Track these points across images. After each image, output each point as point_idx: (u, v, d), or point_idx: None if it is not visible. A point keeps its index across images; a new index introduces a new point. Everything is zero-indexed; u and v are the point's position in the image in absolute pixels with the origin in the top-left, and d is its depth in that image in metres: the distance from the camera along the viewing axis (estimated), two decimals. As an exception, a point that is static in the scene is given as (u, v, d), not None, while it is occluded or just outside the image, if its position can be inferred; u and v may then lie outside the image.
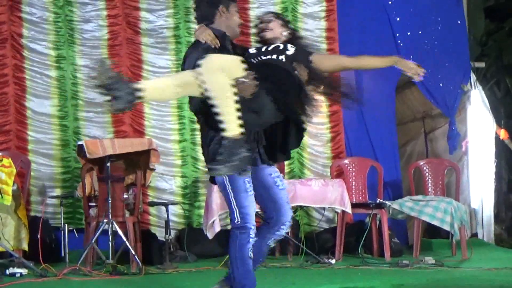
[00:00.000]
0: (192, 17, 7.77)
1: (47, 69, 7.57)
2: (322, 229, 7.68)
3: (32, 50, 7.54)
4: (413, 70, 4.17)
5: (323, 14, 8.07)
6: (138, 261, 6.12)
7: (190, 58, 4.01)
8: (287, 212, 4.12)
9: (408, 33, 8.12)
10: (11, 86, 7.47)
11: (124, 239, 6.14)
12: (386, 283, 5.50)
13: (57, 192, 7.32)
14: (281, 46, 4.11)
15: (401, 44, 8.11)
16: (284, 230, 4.12)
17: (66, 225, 6.66)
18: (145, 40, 7.77)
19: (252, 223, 3.91)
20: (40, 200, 7.31)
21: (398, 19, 8.11)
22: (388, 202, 7.07)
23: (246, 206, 3.92)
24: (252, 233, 3.91)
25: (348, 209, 6.75)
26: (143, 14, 7.78)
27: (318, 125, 8.00)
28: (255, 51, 4.14)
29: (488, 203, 8.16)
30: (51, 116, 7.54)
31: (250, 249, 3.89)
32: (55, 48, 7.59)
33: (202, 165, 7.76)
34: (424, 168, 7.72)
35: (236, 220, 3.92)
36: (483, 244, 7.83)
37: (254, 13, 7.92)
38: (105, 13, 7.69)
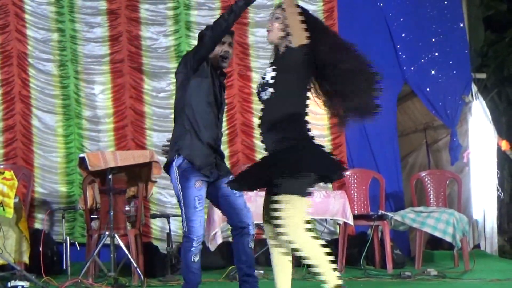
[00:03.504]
0: (193, 34, 7.88)
1: (51, 89, 7.63)
2: (324, 241, 7.66)
3: (36, 69, 7.60)
4: None
5: (323, 27, 8.08)
6: (140, 273, 6.11)
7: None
8: (247, 215, 4.68)
9: (409, 45, 8.14)
10: (17, 103, 7.55)
11: (126, 251, 6.13)
12: (388, 294, 5.50)
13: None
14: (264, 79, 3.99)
15: (403, 56, 8.13)
16: (251, 230, 4.70)
17: (68, 237, 6.67)
18: (147, 55, 7.81)
19: (196, 235, 4.53)
20: (43, 214, 7.33)
21: (398, 30, 8.14)
22: (390, 214, 7.07)
23: (193, 220, 4.53)
24: (196, 243, 4.53)
25: (350, 221, 6.74)
26: (144, 31, 7.82)
27: (319, 137, 8.00)
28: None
29: (490, 214, 8.14)
30: (56, 135, 7.60)
31: (193, 255, 4.54)
32: (59, 67, 7.64)
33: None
34: (426, 179, 7.72)
35: (184, 229, 4.57)
36: (485, 255, 7.81)
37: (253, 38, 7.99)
38: (107, 33, 7.73)
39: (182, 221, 4.58)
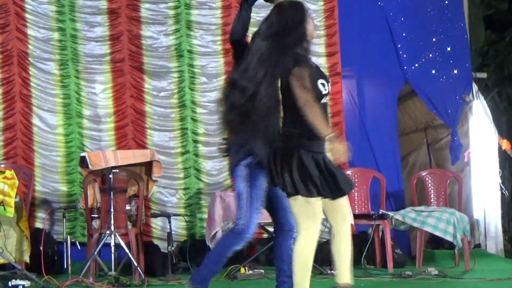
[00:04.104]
0: (193, 33, 7.88)
1: (52, 88, 7.62)
2: (324, 240, 7.64)
3: (37, 68, 7.59)
4: (338, 153, 4.07)
5: (323, 28, 8.05)
6: (141, 272, 6.11)
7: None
8: (291, 218, 4.63)
9: (410, 44, 8.14)
10: (18, 102, 7.54)
11: (127, 250, 6.14)
12: (389, 294, 5.50)
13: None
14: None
15: (404, 55, 8.13)
16: (295, 233, 4.56)
17: (69, 237, 6.67)
18: (148, 54, 7.81)
19: (249, 234, 4.52)
20: (43, 213, 7.33)
21: (399, 30, 8.13)
22: (390, 213, 7.06)
23: (253, 221, 4.53)
24: (243, 243, 4.54)
25: (351, 220, 6.71)
26: (145, 31, 7.81)
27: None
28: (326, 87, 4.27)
29: (493, 214, 8.12)
30: (56, 134, 7.59)
31: (232, 251, 4.56)
32: (60, 67, 7.64)
33: (204, 176, 7.79)
34: (427, 178, 7.72)
35: (241, 225, 4.51)
36: (486, 255, 7.81)
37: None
38: (108, 32, 7.73)
39: (238, 218, 4.56)
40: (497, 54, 10.42)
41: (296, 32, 4.15)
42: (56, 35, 7.67)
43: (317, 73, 4.25)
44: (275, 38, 4.12)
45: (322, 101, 4.20)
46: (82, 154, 6.37)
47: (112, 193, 6.16)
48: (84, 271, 6.03)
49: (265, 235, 7.40)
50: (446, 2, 8.26)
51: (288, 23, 4.15)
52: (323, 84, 4.20)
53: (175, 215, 7.25)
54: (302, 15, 4.20)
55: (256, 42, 4.22)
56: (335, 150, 4.03)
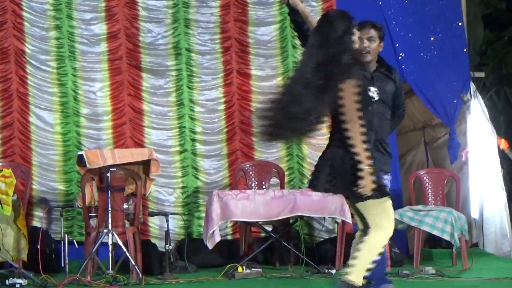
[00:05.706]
0: (191, 31, 7.87)
1: (49, 86, 7.60)
2: (322, 239, 7.66)
3: (34, 66, 7.57)
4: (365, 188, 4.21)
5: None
6: (138, 271, 6.11)
7: None
8: None
9: (408, 43, 8.14)
10: (15, 100, 7.52)
11: (124, 249, 6.13)
12: (386, 293, 5.48)
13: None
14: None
15: (401, 54, 8.13)
16: None
17: (66, 235, 6.67)
18: (145, 52, 7.79)
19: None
20: (41, 211, 7.32)
21: (397, 29, 8.13)
22: (388, 212, 7.05)
23: None
24: None
25: (348, 219, 6.73)
26: (143, 29, 7.80)
27: (319, 135, 7.99)
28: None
29: (498, 213, 8.08)
30: (54, 132, 7.57)
31: None
32: (57, 65, 7.61)
33: (202, 175, 7.78)
34: (424, 178, 7.72)
35: None
36: (483, 254, 7.81)
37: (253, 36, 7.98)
38: (105, 30, 7.71)
39: None
40: (495, 53, 10.43)
41: (341, 42, 4.13)
42: (53, 33, 7.65)
43: (366, 81, 4.50)
44: (322, 48, 4.12)
45: (369, 107, 4.50)
46: (80, 153, 6.36)
47: (109, 191, 6.16)
48: (81, 269, 6.03)
49: (263, 234, 7.41)
50: (444, 1, 8.26)
51: (334, 33, 4.15)
52: (372, 92, 4.55)
53: (172, 213, 7.25)
54: (348, 24, 4.20)
55: (306, 52, 4.25)
56: (364, 184, 4.13)
